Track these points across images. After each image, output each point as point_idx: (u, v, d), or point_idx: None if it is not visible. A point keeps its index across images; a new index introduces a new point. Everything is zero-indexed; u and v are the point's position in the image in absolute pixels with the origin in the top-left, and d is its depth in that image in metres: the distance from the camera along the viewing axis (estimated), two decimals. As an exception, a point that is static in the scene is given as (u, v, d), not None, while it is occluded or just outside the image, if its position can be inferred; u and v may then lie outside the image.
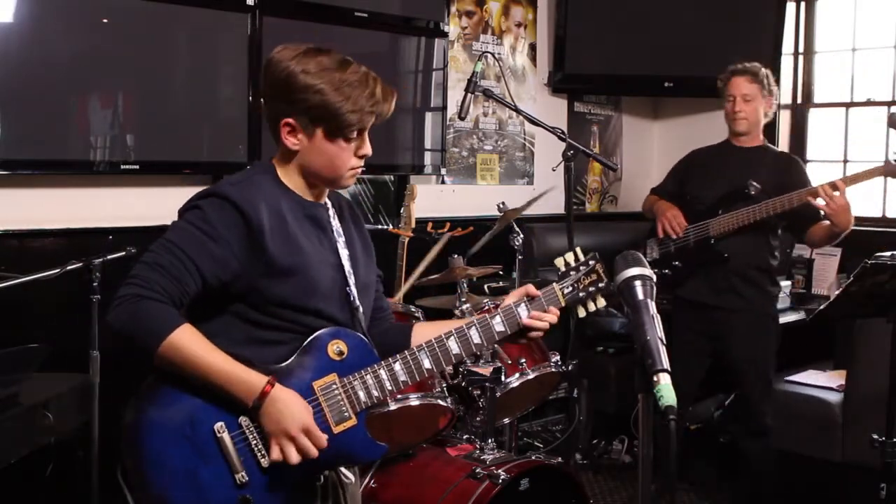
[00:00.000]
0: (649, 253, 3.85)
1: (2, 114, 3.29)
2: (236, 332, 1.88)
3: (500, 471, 2.77)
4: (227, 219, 1.83)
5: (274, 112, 1.93)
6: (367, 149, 1.96)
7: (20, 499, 3.22)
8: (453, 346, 2.00)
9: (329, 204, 2.03)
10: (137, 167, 3.61)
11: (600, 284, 2.07)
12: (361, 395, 1.93)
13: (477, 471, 2.80)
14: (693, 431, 4.37)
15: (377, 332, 2.13)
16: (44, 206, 3.49)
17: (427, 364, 1.99)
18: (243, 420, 1.84)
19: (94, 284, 2.84)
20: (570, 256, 2.08)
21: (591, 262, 2.07)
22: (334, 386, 1.91)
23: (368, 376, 1.94)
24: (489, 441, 2.99)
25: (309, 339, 1.91)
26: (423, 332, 2.12)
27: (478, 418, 3.13)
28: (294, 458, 1.82)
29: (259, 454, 1.85)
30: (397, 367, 1.97)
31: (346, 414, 1.91)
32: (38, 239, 3.48)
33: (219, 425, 1.83)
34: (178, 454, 1.81)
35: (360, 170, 1.97)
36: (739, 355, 3.77)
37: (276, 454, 1.82)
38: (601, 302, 2.08)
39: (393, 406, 2.74)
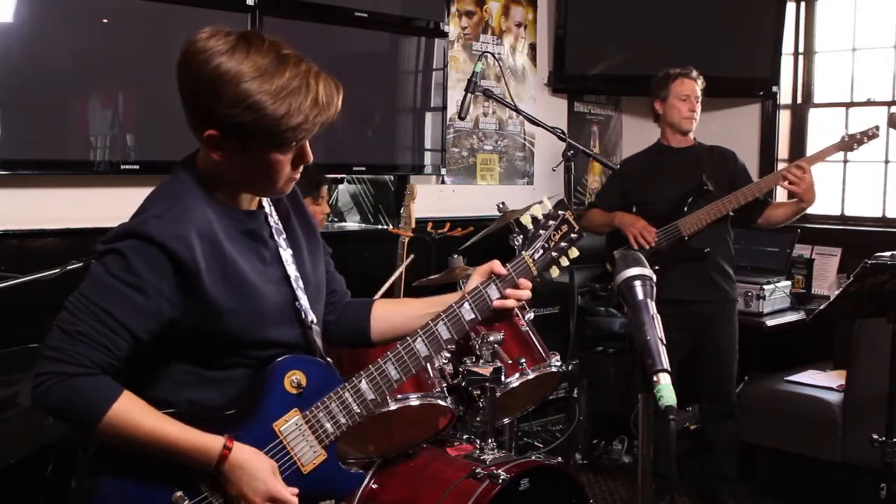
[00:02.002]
0: None
1: (2, 114, 3.28)
2: (182, 375, 1.69)
3: (500, 471, 2.77)
4: (155, 264, 1.57)
5: (195, 117, 1.63)
6: (308, 157, 1.68)
7: (20, 499, 3.22)
8: (421, 348, 1.82)
9: (266, 203, 1.80)
10: (137, 167, 3.61)
11: (572, 235, 1.91)
12: (328, 426, 1.76)
13: (477, 471, 2.79)
14: (692, 431, 4.37)
15: (333, 318, 1.98)
16: (44, 206, 3.49)
17: (395, 375, 1.81)
18: (203, 486, 1.68)
19: (94, 284, 2.84)
20: (536, 210, 1.90)
21: (560, 213, 1.90)
22: (298, 423, 1.74)
23: (333, 403, 1.77)
24: (489, 441, 2.99)
25: (263, 374, 1.72)
26: (385, 313, 1.98)
27: (478, 418, 3.13)
28: None
29: None
30: (363, 385, 1.79)
31: (314, 451, 1.76)
32: (38, 239, 3.47)
33: (177, 495, 1.66)
34: None
35: (297, 178, 1.72)
36: (720, 344, 3.92)
37: None
38: (574, 253, 1.91)
39: (393, 406, 2.74)
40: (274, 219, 1.81)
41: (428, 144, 4.61)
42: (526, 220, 1.91)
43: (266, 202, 1.81)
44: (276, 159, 1.63)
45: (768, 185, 3.87)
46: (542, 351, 3.23)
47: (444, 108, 4.65)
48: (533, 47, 5.19)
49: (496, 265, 1.89)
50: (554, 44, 5.18)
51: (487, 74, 4.83)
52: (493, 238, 3.74)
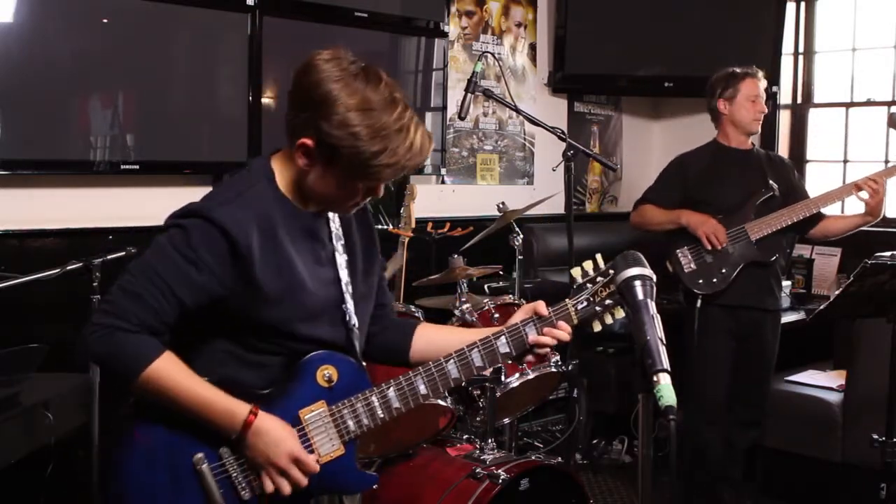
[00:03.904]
0: (686, 265, 3.70)
1: (2, 114, 3.28)
2: (220, 353, 1.79)
3: (500, 471, 2.78)
4: (213, 244, 1.70)
5: (294, 124, 1.75)
6: (379, 193, 1.81)
7: (20, 499, 3.22)
8: (452, 370, 1.87)
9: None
10: (137, 167, 3.61)
11: (619, 295, 1.86)
12: (351, 424, 1.83)
13: (477, 471, 2.80)
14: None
15: (377, 329, 2.04)
16: (44, 206, 3.49)
17: (423, 390, 1.87)
18: (224, 451, 1.77)
19: (94, 284, 2.84)
20: (588, 265, 1.91)
21: (610, 272, 1.88)
22: (322, 414, 1.82)
23: (359, 404, 1.84)
24: (489, 441, 2.99)
25: (297, 364, 1.81)
26: (428, 336, 2.03)
27: (478, 418, 3.13)
28: (286, 489, 1.76)
29: (239, 486, 1.77)
30: (391, 393, 1.85)
31: (333, 444, 1.82)
32: (38, 239, 3.47)
33: (198, 456, 1.75)
34: (159, 486, 1.75)
35: (360, 204, 1.85)
36: (766, 352, 3.83)
37: (268, 487, 1.76)
38: (619, 313, 1.89)
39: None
40: (335, 224, 1.90)
41: (428, 144, 4.61)
42: (576, 272, 1.91)
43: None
44: (353, 185, 1.76)
45: (840, 195, 3.76)
46: (542, 351, 3.23)
47: (444, 108, 4.65)
48: (533, 47, 5.19)
49: (540, 306, 1.91)
50: (554, 44, 5.18)
51: (487, 74, 4.83)
52: (493, 238, 3.74)
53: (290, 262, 1.77)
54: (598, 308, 1.88)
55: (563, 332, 1.89)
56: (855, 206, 3.87)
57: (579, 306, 1.89)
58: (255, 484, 1.78)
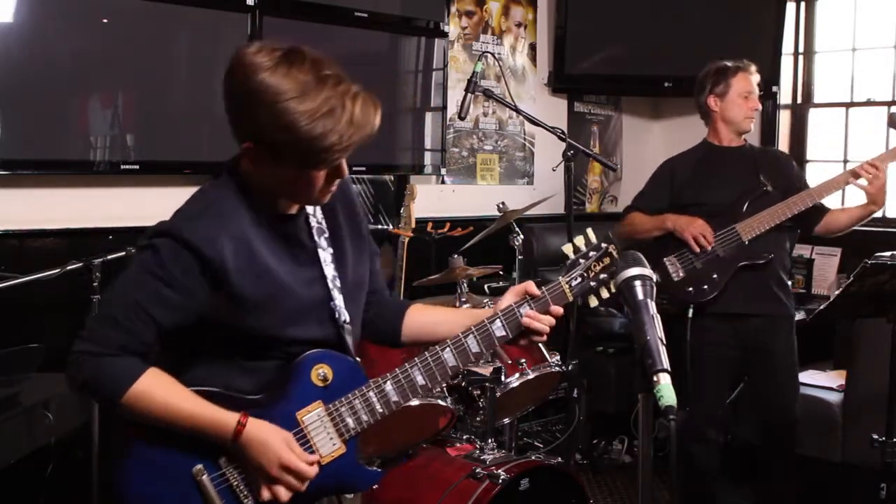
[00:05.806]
0: (673, 272, 3.50)
1: (2, 114, 3.28)
2: (215, 361, 1.77)
3: (500, 471, 2.78)
4: (184, 263, 1.67)
5: (235, 128, 1.69)
6: (343, 173, 1.73)
7: (20, 499, 3.22)
8: (449, 357, 1.85)
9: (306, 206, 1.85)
10: (137, 167, 3.61)
11: (614, 269, 1.86)
12: (350, 421, 1.81)
13: (477, 471, 2.80)
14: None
15: (370, 315, 2.01)
16: (44, 206, 3.49)
17: (420, 380, 1.84)
18: (223, 461, 1.76)
19: (94, 284, 2.84)
20: (579, 241, 1.90)
21: (603, 245, 1.89)
22: (320, 414, 1.80)
23: (357, 400, 1.82)
24: (489, 441, 3.00)
25: (290, 366, 1.79)
26: (417, 317, 2.02)
27: (478, 418, 3.13)
28: (283, 496, 1.74)
29: (241, 495, 1.76)
30: (388, 387, 1.83)
31: (334, 443, 1.81)
32: (38, 239, 3.47)
33: (197, 468, 1.74)
34: (161, 498, 1.74)
35: (333, 190, 1.77)
36: (782, 362, 3.54)
37: (265, 495, 1.74)
38: (614, 288, 1.86)
39: (393, 406, 2.73)
40: (317, 218, 1.86)
41: (428, 144, 4.61)
42: (568, 249, 1.91)
43: (307, 208, 1.85)
44: (309, 175, 1.69)
45: (838, 185, 3.47)
46: (542, 351, 3.23)
47: (444, 108, 4.65)
48: (533, 47, 5.19)
49: (531, 286, 1.89)
50: (554, 44, 5.18)
51: (487, 74, 4.83)
52: (493, 238, 3.74)
53: (268, 268, 1.73)
54: (592, 283, 1.89)
55: (555, 313, 1.88)
56: (855, 199, 3.69)
57: (573, 283, 1.89)
58: (256, 492, 1.76)
